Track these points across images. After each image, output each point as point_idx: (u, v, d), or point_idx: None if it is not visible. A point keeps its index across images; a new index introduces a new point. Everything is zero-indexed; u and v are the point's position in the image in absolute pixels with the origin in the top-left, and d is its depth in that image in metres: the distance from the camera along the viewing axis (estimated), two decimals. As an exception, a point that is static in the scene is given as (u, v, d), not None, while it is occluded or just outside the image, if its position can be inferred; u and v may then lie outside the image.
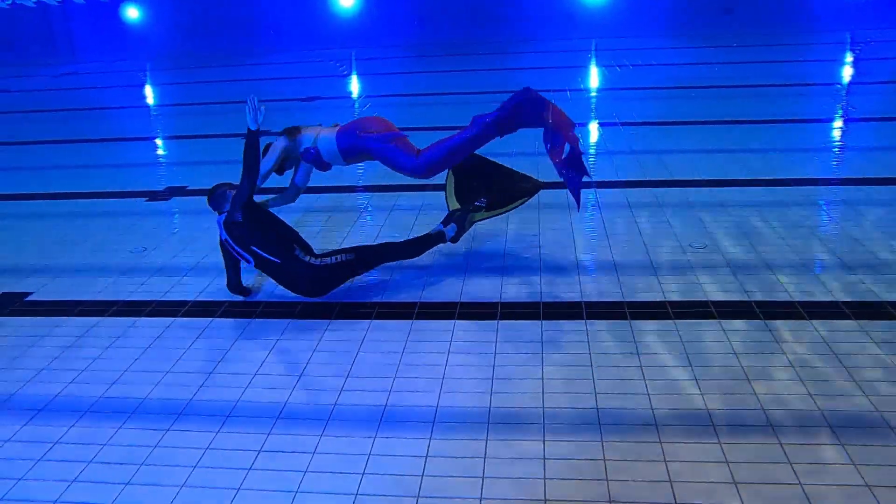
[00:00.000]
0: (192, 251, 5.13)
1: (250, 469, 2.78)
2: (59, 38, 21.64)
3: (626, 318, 3.80)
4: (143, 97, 14.29)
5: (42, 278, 4.79)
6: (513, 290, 4.22)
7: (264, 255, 4.06)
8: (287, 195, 4.77)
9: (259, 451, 2.87)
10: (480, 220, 4.76)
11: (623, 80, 12.20)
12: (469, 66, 14.85)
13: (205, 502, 2.62)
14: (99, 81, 16.42)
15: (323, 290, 4.22)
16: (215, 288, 4.46)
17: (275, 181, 4.75)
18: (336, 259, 4.17)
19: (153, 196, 6.68)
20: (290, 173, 4.78)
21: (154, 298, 4.38)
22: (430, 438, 2.88)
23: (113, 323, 4.11)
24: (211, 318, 4.06)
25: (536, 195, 4.97)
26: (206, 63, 17.76)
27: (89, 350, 3.80)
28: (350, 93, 12.88)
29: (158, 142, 9.86)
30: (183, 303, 4.29)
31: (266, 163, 4.48)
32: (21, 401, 3.38)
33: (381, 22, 19.35)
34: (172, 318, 4.10)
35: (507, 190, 4.79)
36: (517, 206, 4.85)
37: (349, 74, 14.92)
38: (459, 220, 4.56)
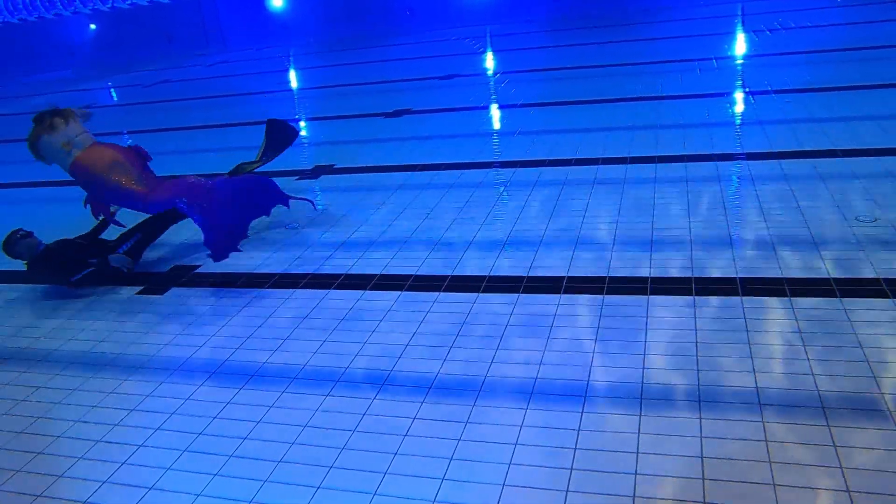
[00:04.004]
0: (340, 227, 5.34)
1: (406, 435, 2.88)
2: (211, 29, 23.01)
3: (785, 296, 3.60)
4: (289, 81, 14.94)
5: (208, 252, 5.14)
6: (661, 264, 4.09)
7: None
8: None
9: (413, 419, 2.97)
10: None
11: (776, 45, 11.46)
12: (607, 38, 14.45)
13: (364, 465, 2.74)
14: (248, 68, 17.33)
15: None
16: (366, 262, 4.63)
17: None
18: (129, 244, 4.97)
19: (302, 175, 6.99)
20: None
21: (309, 272, 4.61)
22: (583, 412, 2.87)
23: (271, 294, 4.36)
24: (363, 291, 4.22)
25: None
26: (346, 46, 18.33)
27: (252, 319, 4.06)
28: (486, 69, 12.89)
29: (304, 123, 10.29)
30: (335, 276, 4.48)
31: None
32: (195, 364, 3.67)
33: (515, -3, 19.21)
34: (326, 291, 4.30)
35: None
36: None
37: (485, 51, 14.92)
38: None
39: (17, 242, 4.72)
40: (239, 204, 5.11)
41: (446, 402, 3.06)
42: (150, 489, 2.77)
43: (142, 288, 4.72)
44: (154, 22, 22.49)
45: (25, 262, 4.75)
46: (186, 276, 4.81)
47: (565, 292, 3.90)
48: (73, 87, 18.28)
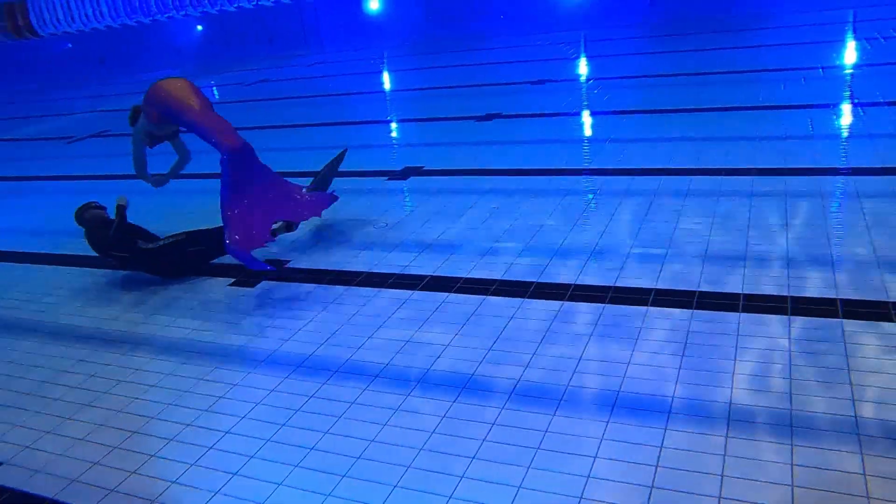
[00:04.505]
0: (428, 228, 5.38)
1: (484, 440, 2.87)
2: (310, 30, 23.66)
3: (892, 321, 3.39)
4: (382, 83, 15.18)
5: (298, 248, 5.30)
6: (758, 282, 3.94)
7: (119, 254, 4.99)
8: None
9: (493, 424, 2.96)
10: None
11: (890, 54, 10.85)
12: (706, 44, 14.03)
13: (441, 467, 2.75)
14: (344, 69, 17.70)
15: (169, 269, 5.03)
16: (451, 265, 4.65)
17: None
18: (167, 241, 5.00)
19: (392, 175, 7.09)
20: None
21: (394, 272, 4.66)
22: (666, 429, 2.79)
23: (357, 292, 4.43)
24: (447, 294, 4.24)
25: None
26: (440, 49, 18.47)
27: (337, 316, 4.14)
28: (579, 75, 12.74)
29: (395, 124, 10.44)
30: (421, 277, 4.52)
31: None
32: (281, 356, 3.77)
33: (612, 2, 18.90)
34: (411, 292, 4.33)
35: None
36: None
37: (578, 56, 14.75)
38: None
39: (88, 211, 5.21)
40: (266, 193, 4.93)
41: (526, 410, 3.03)
42: (234, 475, 2.87)
43: (233, 280, 4.89)
44: (257, 23, 23.31)
45: (86, 229, 5.15)
46: (276, 271, 4.95)
47: (653, 305, 3.81)
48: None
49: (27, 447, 3.26)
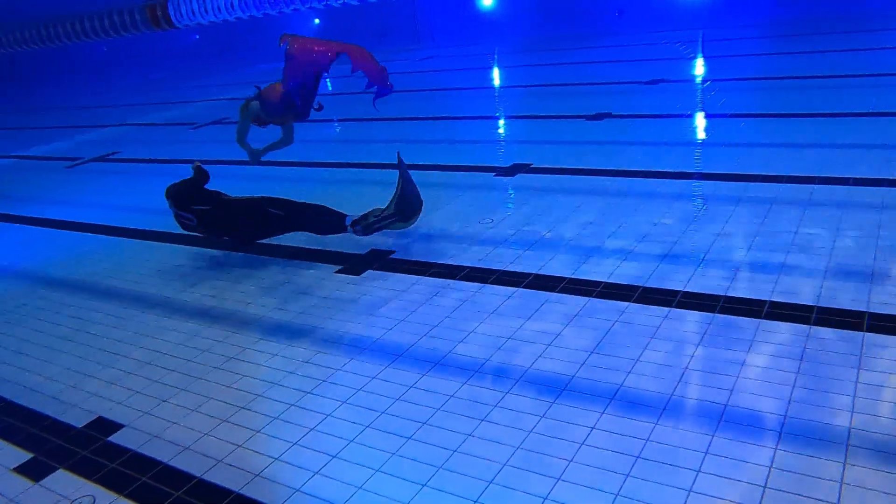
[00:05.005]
0: (534, 226, 5.35)
1: (583, 444, 2.83)
2: (423, 26, 23.97)
3: None
4: (492, 78, 15.18)
5: (404, 240, 5.38)
6: (883, 301, 3.69)
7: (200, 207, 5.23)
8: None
9: (592, 428, 2.91)
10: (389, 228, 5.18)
11: None
12: (836, 45, 13.25)
13: (538, 467, 2.73)
14: (453, 64, 17.83)
15: (243, 230, 5.26)
16: (556, 264, 4.60)
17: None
18: (248, 196, 5.26)
19: (500, 171, 7.08)
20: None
21: (498, 268, 4.66)
22: (776, 449, 2.66)
23: (460, 286, 4.46)
24: (550, 293, 4.20)
25: None
26: (553, 46, 18.31)
27: (440, 309, 4.18)
28: (696, 76, 12.31)
29: (504, 120, 10.41)
30: (525, 275, 4.49)
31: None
32: (383, 345, 3.84)
33: (732, 0, 18.18)
34: (514, 289, 4.32)
35: (412, 205, 5.24)
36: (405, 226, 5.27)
37: (695, 56, 14.25)
38: (367, 222, 5.03)
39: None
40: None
41: (627, 416, 2.96)
42: (334, 458, 2.94)
43: (340, 268, 5.01)
44: (371, 18, 23.83)
45: (172, 192, 5.45)
46: (382, 261, 5.04)
47: (766, 318, 3.63)
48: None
49: (146, 413, 3.46)
